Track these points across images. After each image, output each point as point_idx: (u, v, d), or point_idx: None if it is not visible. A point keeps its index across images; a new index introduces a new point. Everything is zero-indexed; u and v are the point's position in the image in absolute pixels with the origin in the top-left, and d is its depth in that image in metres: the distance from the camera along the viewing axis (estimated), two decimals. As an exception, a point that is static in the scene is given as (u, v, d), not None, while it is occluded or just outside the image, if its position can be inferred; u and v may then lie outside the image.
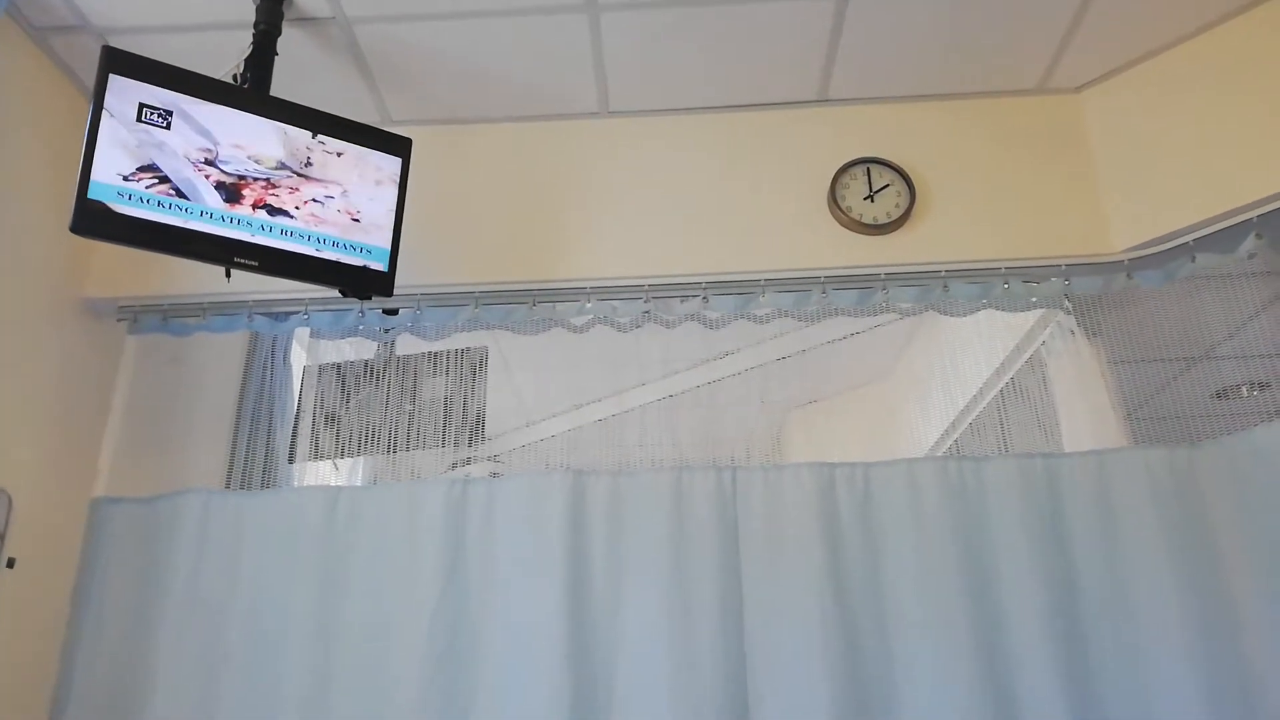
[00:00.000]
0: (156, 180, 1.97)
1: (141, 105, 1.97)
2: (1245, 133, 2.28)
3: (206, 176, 2.02)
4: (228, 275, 2.23)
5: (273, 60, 2.21)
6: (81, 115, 2.29)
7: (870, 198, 2.51)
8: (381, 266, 2.23)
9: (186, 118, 2.02)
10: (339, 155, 2.19)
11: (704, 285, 2.49)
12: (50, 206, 2.30)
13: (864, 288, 2.48)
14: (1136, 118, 2.49)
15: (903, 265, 2.48)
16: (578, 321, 2.54)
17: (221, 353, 2.83)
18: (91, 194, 1.90)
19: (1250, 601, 2.05)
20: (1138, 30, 2.41)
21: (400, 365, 2.71)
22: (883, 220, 2.48)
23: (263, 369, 2.83)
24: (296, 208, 2.12)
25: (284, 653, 2.18)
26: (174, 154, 1.99)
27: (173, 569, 2.28)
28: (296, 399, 2.79)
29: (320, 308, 2.51)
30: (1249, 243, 2.26)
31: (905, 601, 2.15)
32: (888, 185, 2.52)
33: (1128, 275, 2.43)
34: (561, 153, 2.64)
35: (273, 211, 2.09)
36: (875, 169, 2.54)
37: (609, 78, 2.53)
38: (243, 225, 2.06)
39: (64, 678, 2.22)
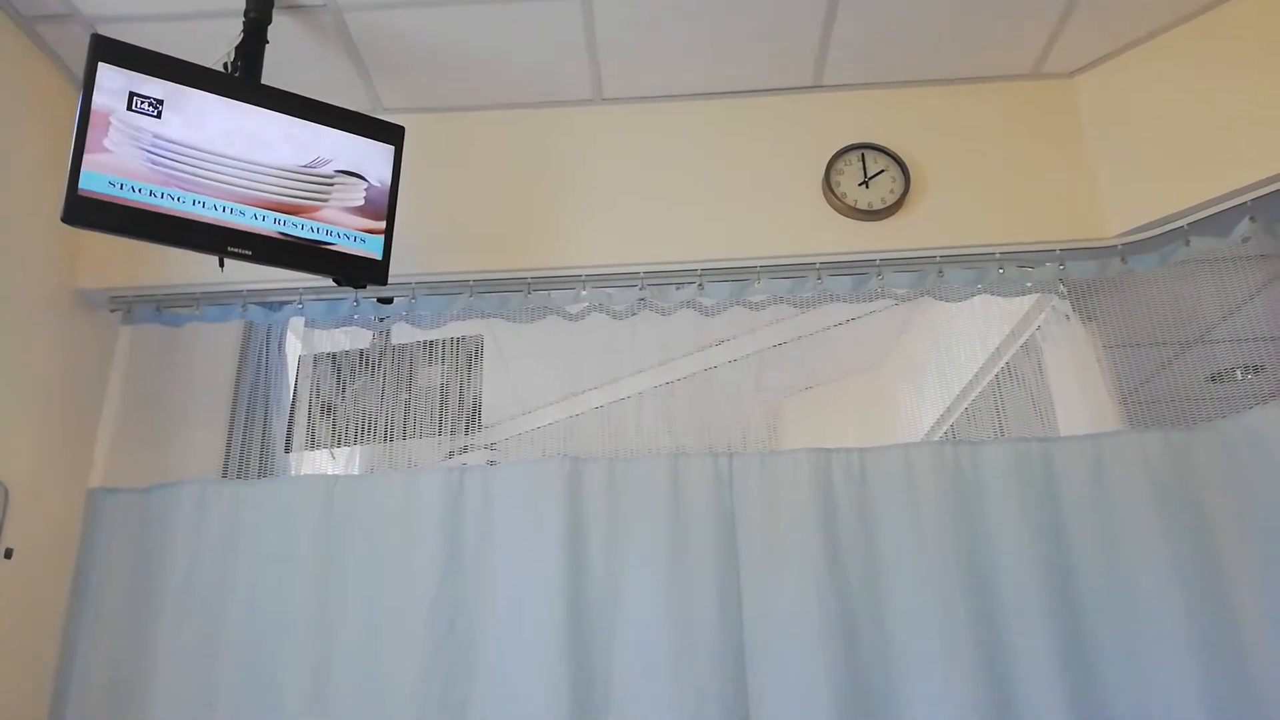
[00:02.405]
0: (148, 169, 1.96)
1: (132, 94, 1.96)
2: (1239, 116, 2.27)
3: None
4: (221, 265, 2.22)
5: (263, 48, 2.20)
6: (71, 104, 2.28)
7: (865, 183, 2.50)
8: (376, 255, 2.23)
9: (177, 106, 2.01)
10: (331, 144, 2.18)
11: (699, 272, 2.49)
12: (41, 197, 2.29)
13: (859, 273, 2.48)
14: (1130, 102, 2.48)
15: (898, 250, 2.48)
16: (573, 309, 2.54)
17: (216, 342, 2.83)
18: (83, 184, 1.89)
19: (1246, 583, 2.06)
20: (1131, 15, 2.40)
21: (395, 354, 2.71)
22: (878, 206, 2.47)
23: (258, 358, 2.83)
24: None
25: (282, 641, 2.19)
26: (165, 143, 1.98)
27: (170, 559, 2.28)
28: (292, 388, 2.79)
29: (314, 297, 2.51)
30: (1243, 226, 2.27)
31: (902, 586, 2.16)
32: (882, 171, 2.52)
33: (1122, 259, 2.43)
34: (555, 140, 2.63)
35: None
36: (870, 154, 2.54)
37: (602, 65, 2.52)
38: (236, 214, 2.05)
39: (64, 667, 2.22)
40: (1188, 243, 2.35)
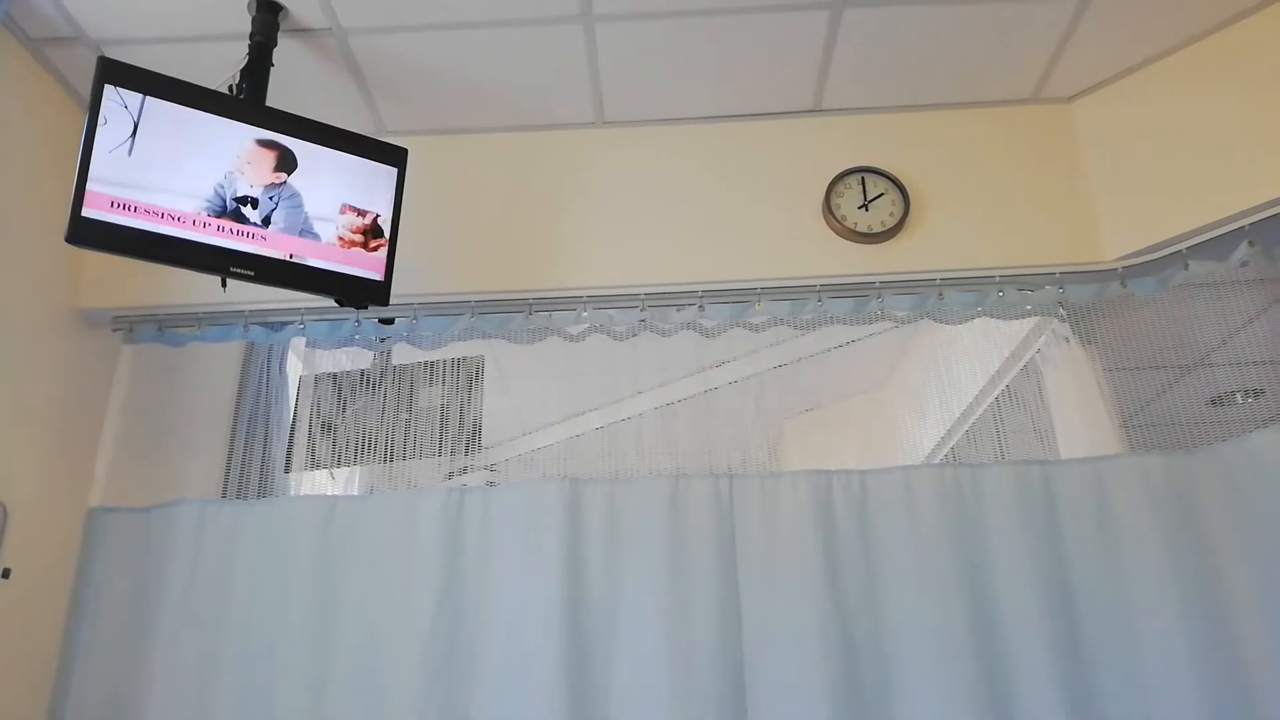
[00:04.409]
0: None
1: (137, 115, 1.97)
2: (1237, 141, 2.29)
3: (202, 187, 2.03)
4: (223, 285, 2.23)
5: (268, 71, 2.22)
6: (77, 125, 2.30)
7: (865, 206, 2.51)
8: (378, 276, 2.24)
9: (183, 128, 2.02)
10: (333, 166, 2.19)
11: (700, 294, 2.50)
12: (46, 217, 2.30)
13: (859, 296, 2.49)
14: (1129, 126, 2.50)
15: (898, 273, 2.48)
16: (574, 330, 2.55)
17: (217, 362, 2.83)
18: (87, 204, 1.90)
19: (1247, 607, 2.05)
20: (1129, 40, 2.42)
21: (396, 374, 2.71)
22: (877, 229, 2.48)
23: (259, 378, 2.83)
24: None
25: (280, 663, 2.17)
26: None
27: (169, 578, 2.27)
28: (292, 408, 2.79)
29: (316, 317, 2.51)
30: (1242, 250, 2.27)
31: (902, 609, 2.15)
32: (882, 194, 2.53)
33: (1121, 283, 2.44)
34: (557, 163, 2.64)
35: (268, 221, 2.10)
36: (870, 178, 2.55)
37: (604, 88, 2.54)
38: (238, 234, 2.06)
39: (60, 687, 2.21)
40: (1186, 266, 2.36)
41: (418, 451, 2.61)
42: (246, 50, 2.20)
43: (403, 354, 2.66)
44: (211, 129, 2.05)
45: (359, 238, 2.21)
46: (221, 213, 2.04)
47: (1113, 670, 2.06)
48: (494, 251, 2.54)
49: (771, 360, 3.61)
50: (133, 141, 1.95)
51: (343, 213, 2.20)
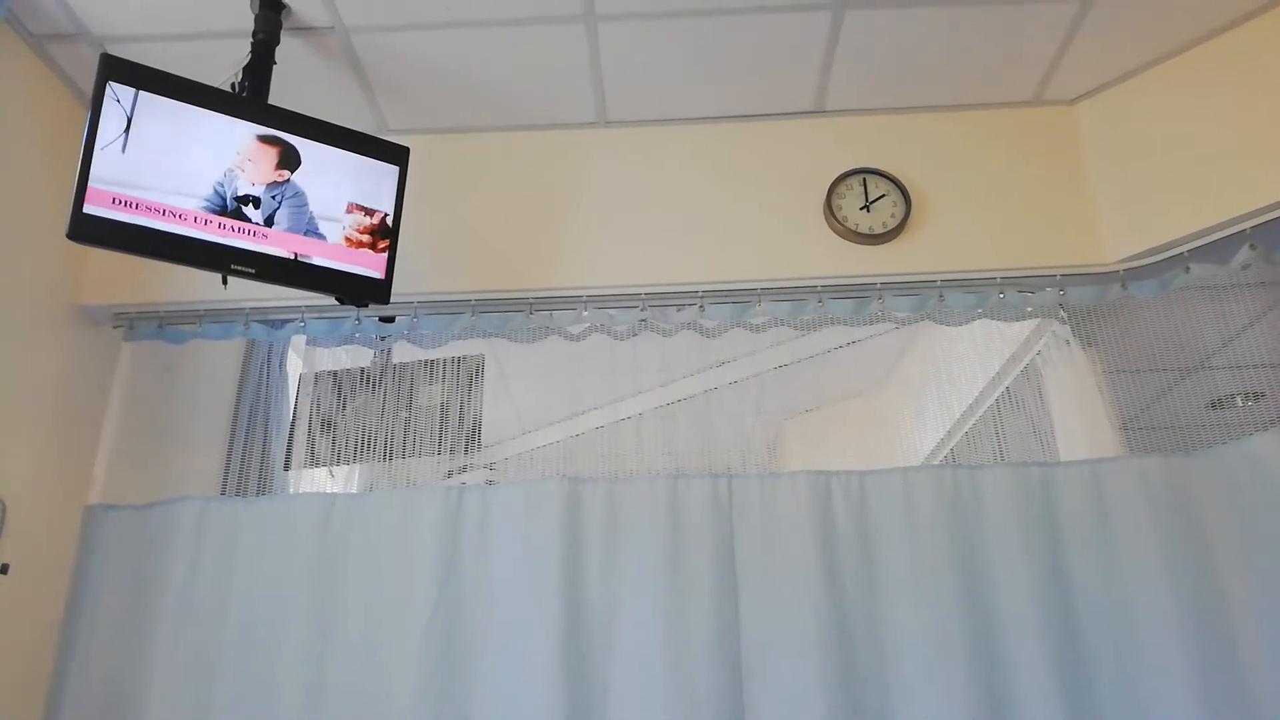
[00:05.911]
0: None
1: (139, 112, 1.97)
2: (1239, 144, 2.29)
3: (204, 184, 2.03)
4: (224, 282, 2.23)
5: (271, 69, 2.22)
6: (78, 122, 2.29)
7: (866, 207, 2.52)
8: (379, 274, 2.24)
9: (184, 126, 2.02)
10: (336, 164, 2.19)
11: (700, 294, 2.50)
12: (47, 213, 2.30)
13: (860, 297, 2.49)
14: (1131, 129, 2.50)
15: (898, 275, 2.48)
16: (574, 330, 2.55)
17: (217, 360, 2.83)
18: (89, 200, 1.90)
19: (1246, 610, 2.05)
20: (1132, 43, 2.42)
21: (396, 373, 2.71)
22: (879, 230, 2.48)
23: (259, 376, 2.83)
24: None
25: (279, 660, 2.17)
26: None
27: (168, 576, 2.27)
28: (292, 406, 2.79)
29: (317, 315, 2.51)
30: (1243, 253, 2.27)
31: (901, 610, 2.15)
32: (884, 195, 2.53)
33: (1122, 285, 2.44)
34: (559, 162, 2.64)
35: (271, 220, 2.10)
36: (871, 179, 2.55)
37: (606, 88, 2.54)
38: (240, 232, 2.06)
39: (58, 685, 2.20)
40: (1188, 269, 2.36)
41: (417, 450, 2.61)
42: (249, 48, 2.20)
43: (403, 352, 2.66)
44: (211, 125, 2.05)
45: (366, 238, 2.21)
46: (222, 210, 2.04)
47: (1111, 671, 2.07)
48: (495, 250, 2.54)
49: (772, 361, 3.61)
50: (126, 138, 1.95)
51: (349, 212, 2.20)
